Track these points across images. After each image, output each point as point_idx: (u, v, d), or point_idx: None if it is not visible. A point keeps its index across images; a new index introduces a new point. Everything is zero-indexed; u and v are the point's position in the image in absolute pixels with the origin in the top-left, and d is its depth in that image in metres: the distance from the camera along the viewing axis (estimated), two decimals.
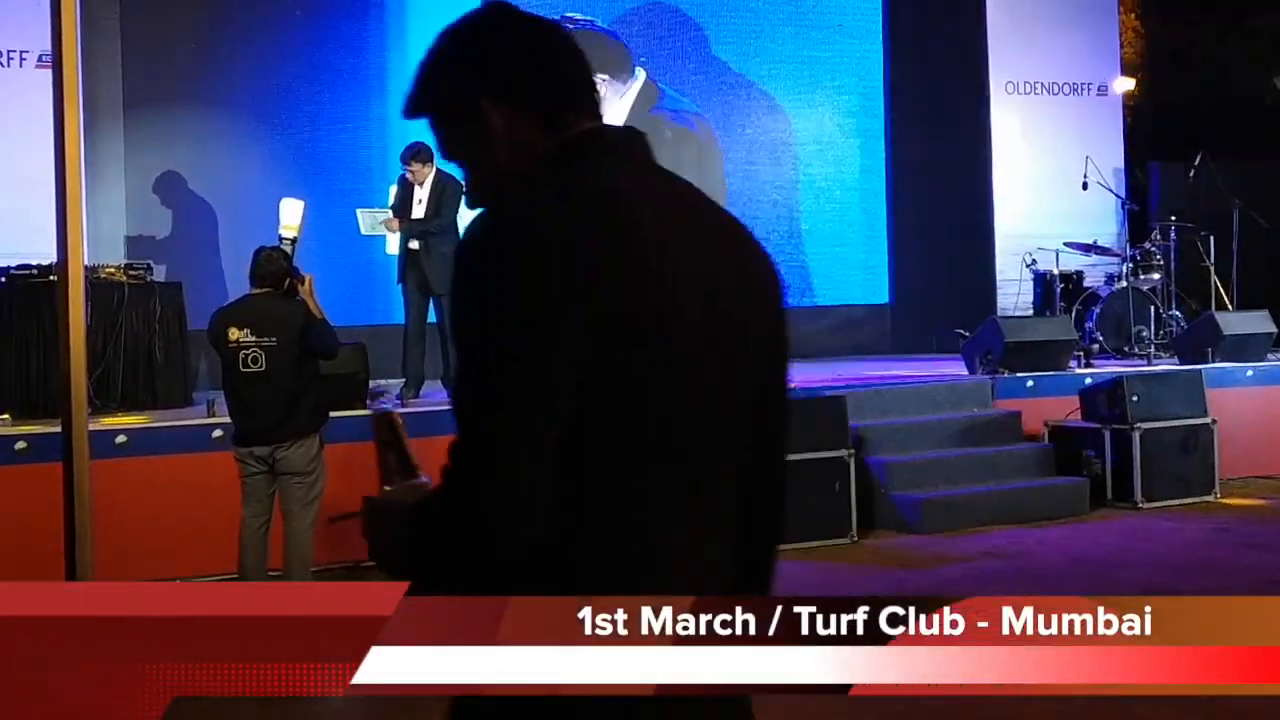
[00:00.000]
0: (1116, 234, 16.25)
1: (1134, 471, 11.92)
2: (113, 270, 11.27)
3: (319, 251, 13.91)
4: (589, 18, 15.42)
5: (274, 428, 8.24)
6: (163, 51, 13.43)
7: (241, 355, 8.21)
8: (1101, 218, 16.27)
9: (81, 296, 3.86)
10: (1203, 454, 12.27)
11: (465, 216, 12.13)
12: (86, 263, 11.12)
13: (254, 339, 8.21)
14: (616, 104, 15.49)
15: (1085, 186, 15.49)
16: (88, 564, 3.85)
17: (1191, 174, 16.03)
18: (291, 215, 8.61)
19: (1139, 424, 11.94)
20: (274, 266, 8.42)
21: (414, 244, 11.81)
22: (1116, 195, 16.24)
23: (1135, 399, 12.01)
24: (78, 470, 3.83)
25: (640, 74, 15.62)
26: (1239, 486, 12.78)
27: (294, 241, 8.52)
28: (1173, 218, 15.35)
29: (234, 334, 8.25)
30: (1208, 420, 12.34)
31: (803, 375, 12.84)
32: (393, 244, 12.28)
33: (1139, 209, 16.52)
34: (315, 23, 14.16)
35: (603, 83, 15.13)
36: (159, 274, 12.06)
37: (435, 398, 11.76)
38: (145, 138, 13.34)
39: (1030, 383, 12.82)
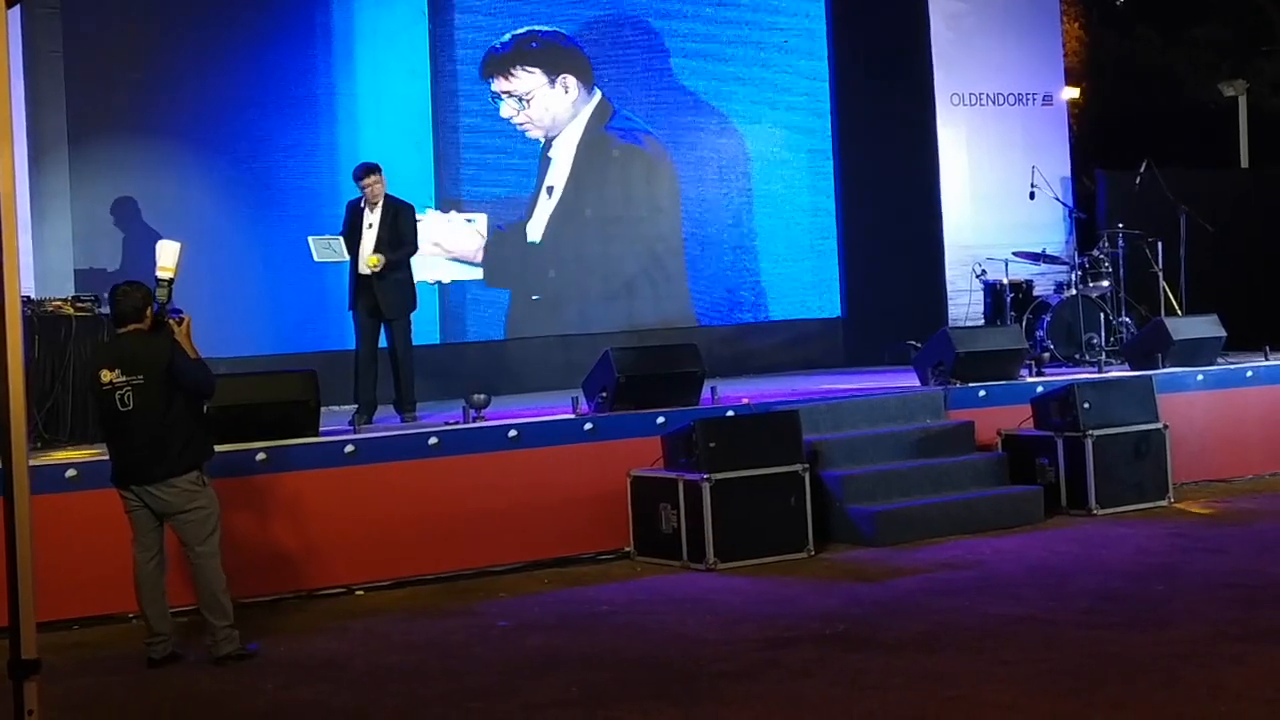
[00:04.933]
0: (1065, 242, 16.34)
1: (1087, 478, 11.96)
2: (60, 303, 11.21)
3: (269, 278, 13.91)
4: (555, 28, 15.47)
5: (145, 467, 8.22)
6: (107, 82, 13.35)
7: (116, 396, 8.19)
8: (1050, 227, 16.37)
9: (19, 330, 3.82)
10: (1155, 459, 12.31)
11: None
12: (34, 296, 11.14)
13: (125, 379, 8.18)
14: (573, 124, 15.53)
15: (1032, 196, 15.59)
16: (29, 601, 3.82)
17: (1138, 181, 16.13)
18: (168, 257, 8.64)
19: (1091, 431, 11.97)
20: (131, 302, 8.35)
21: (364, 269, 11.77)
22: (1064, 204, 16.33)
23: (1087, 406, 12.05)
24: (19, 507, 3.80)
25: (597, 93, 15.65)
26: (1192, 491, 12.83)
27: (170, 283, 8.53)
28: (1120, 225, 15.45)
29: (106, 376, 8.23)
30: (1159, 425, 12.38)
31: (756, 390, 12.90)
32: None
33: (1086, 217, 16.62)
34: (265, 50, 14.11)
35: (568, 86, 15.38)
36: (107, 307, 11.97)
37: (387, 422, 11.74)
38: (91, 169, 13.26)
39: (982, 393, 12.85)
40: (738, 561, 10.42)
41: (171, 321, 8.39)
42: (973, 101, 16.61)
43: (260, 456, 10.04)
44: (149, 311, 8.35)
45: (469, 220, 14.88)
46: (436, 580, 10.37)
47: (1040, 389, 12.77)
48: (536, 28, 15.47)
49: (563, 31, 15.62)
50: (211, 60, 13.85)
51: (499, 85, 15.29)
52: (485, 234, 15.05)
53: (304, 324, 14.06)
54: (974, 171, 16.55)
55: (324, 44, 14.51)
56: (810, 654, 7.93)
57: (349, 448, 10.41)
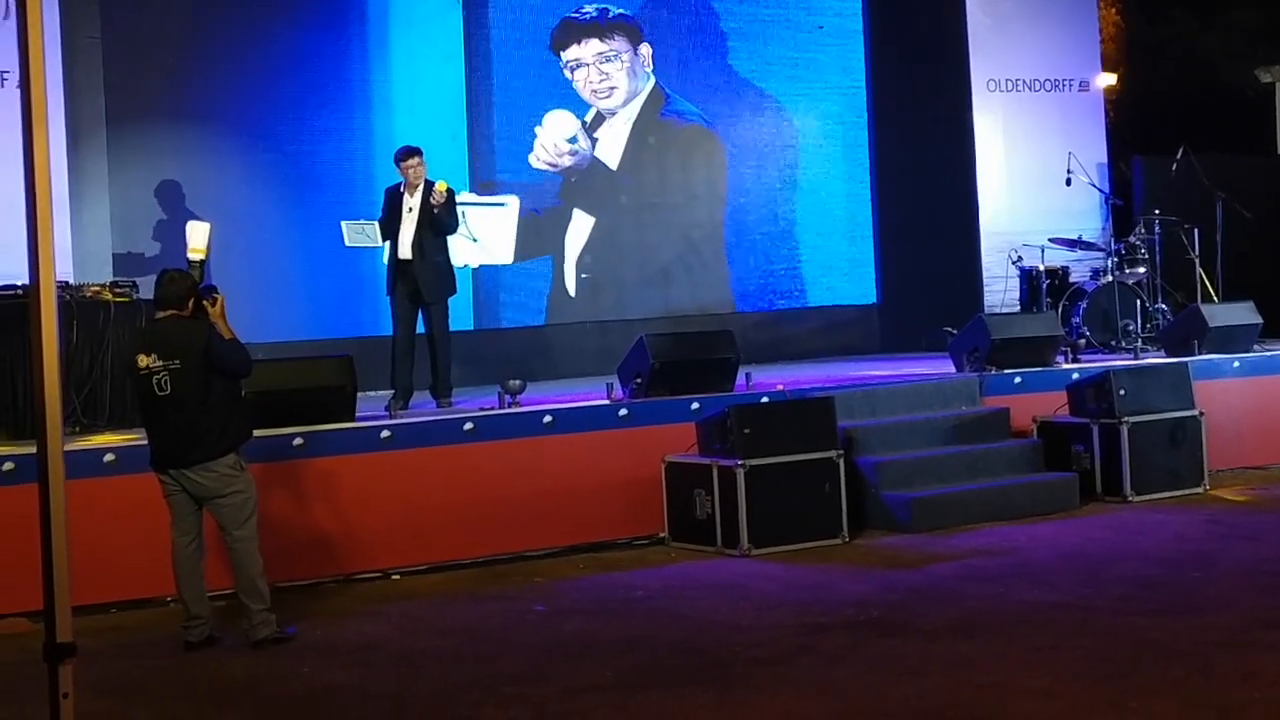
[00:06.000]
0: (1101, 229, 16.29)
1: (1123, 465, 11.92)
2: (98, 289, 11.21)
3: (306, 263, 13.96)
4: (605, 5, 15.56)
5: (183, 450, 8.26)
6: (145, 67, 13.40)
7: (154, 381, 8.22)
8: (1086, 213, 16.31)
9: (54, 316, 3.85)
10: (1191, 446, 12.26)
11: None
12: (72, 281, 11.20)
13: (161, 363, 8.22)
14: (625, 110, 15.58)
15: (1069, 182, 15.54)
16: (65, 585, 3.84)
17: (1174, 167, 16.05)
18: (198, 238, 8.70)
19: (1127, 418, 11.94)
20: (176, 289, 8.41)
21: (405, 253, 11.80)
22: (1100, 190, 16.27)
23: (1123, 393, 12.02)
24: (54, 491, 3.82)
25: (650, 79, 15.68)
26: (1228, 478, 12.78)
27: (202, 264, 8.60)
28: (1156, 211, 15.40)
29: (143, 360, 8.27)
30: (1195, 412, 12.34)
31: (791, 376, 12.90)
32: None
33: (1123, 203, 16.56)
34: (299, 36, 14.15)
35: (623, 63, 15.44)
36: (145, 291, 12.02)
37: (424, 407, 11.78)
38: (129, 154, 13.31)
39: (1018, 379, 12.82)
40: (772, 547, 10.42)
41: (205, 301, 8.45)
42: (1009, 88, 16.57)
43: (297, 441, 10.09)
44: (191, 301, 8.41)
45: (502, 204, 14.88)
46: (472, 565, 10.41)
47: (1076, 375, 12.74)
48: (606, 6, 15.59)
49: (626, 12, 15.71)
50: (247, 44, 13.89)
51: (571, 54, 15.38)
52: (518, 217, 15.04)
53: (341, 309, 14.11)
54: (1010, 158, 16.51)
55: (359, 29, 14.53)
56: (844, 640, 7.94)
57: (385, 433, 10.45)
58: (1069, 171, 15.53)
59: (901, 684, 7.02)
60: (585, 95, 15.47)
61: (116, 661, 8.07)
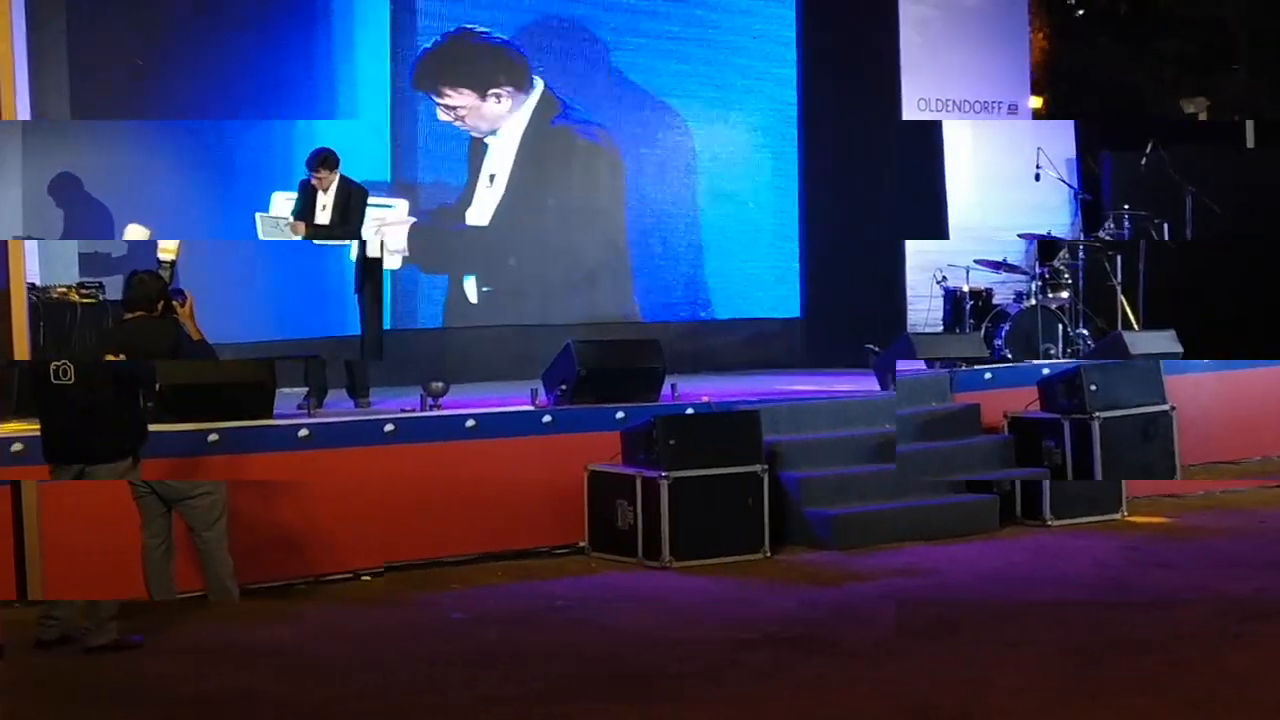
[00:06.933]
0: (1070, 224, 16.45)
1: (1094, 460, 11.97)
2: (65, 290, 11.21)
3: (268, 264, 13.74)
4: (486, 29, 15.27)
5: (83, 446, 8.16)
6: (110, 65, 13.17)
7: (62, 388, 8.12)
8: (1055, 209, 16.42)
9: (25, 317, 3.70)
10: (1163, 441, 12.34)
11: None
12: (39, 283, 11.03)
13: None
14: (514, 116, 15.35)
15: (1038, 178, 15.62)
16: (37, 583, 3.69)
17: (1144, 163, 16.14)
18: (168, 240, 8.67)
19: (1098, 413, 11.99)
20: (146, 290, 8.43)
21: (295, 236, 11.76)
22: (1070, 185, 16.31)
23: (1094, 388, 12.06)
24: (26, 492, 3.67)
25: (539, 84, 15.48)
26: (1199, 472, 12.96)
27: (172, 265, 8.56)
28: (1126, 206, 15.53)
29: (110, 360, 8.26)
30: (1167, 407, 12.42)
31: (715, 389, 12.80)
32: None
33: (1092, 198, 16.66)
34: (225, 25, 13.89)
35: (501, 95, 15.14)
36: (112, 292, 11.80)
37: (339, 406, 11.62)
38: (45, 142, 13.03)
39: (989, 375, 13.01)
40: (694, 560, 10.32)
41: (175, 303, 8.47)
42: (939, 108, 16.60)
43: (212, 438, 9.84)
44: (161, 304, 8.43)
45: (388, 205, 14.57)
46: (389, 569, 10.22)
47: (1046, 371, 12.81)
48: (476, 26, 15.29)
49: (498, 34, 15.38)
50: (173, 29, 13.63)
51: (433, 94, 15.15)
52: (416, 219, 14.80)
53: (304, 308, 13.89)
54: (976, 163, 16.69)
55: (288, 22, 14.28)
56: (768, 656, 7.88)
57: (303, 432, 10.25)
58: (1038, 167, 15.61)
59: (829, 703, 6.94)
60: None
61: (23, 659, 7.89)
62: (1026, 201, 16.06)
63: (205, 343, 8.51)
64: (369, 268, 11.94)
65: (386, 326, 13.99)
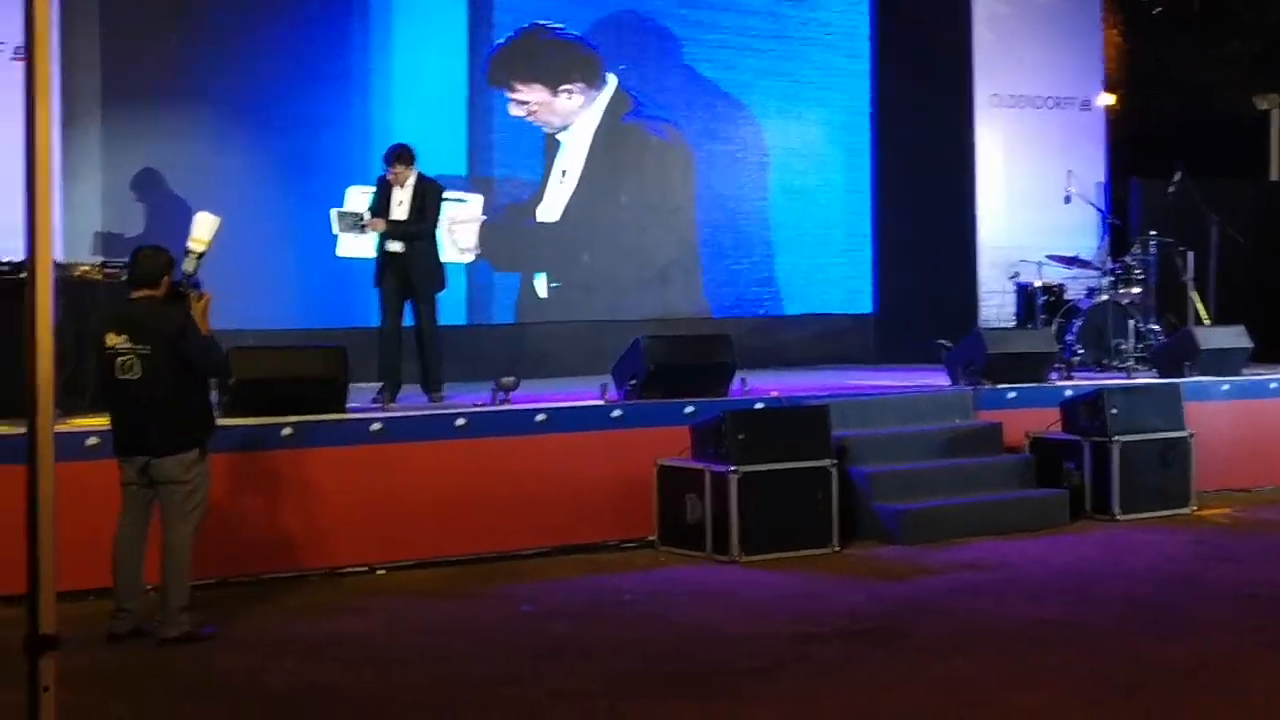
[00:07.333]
0: (1097, 248, 16.24)
1: (1112, 483, 11.89)
2: (87, 269, 11.03)
3: (298, 252, 13.85)
4: (559, 25, 15.33)
5: (147, 438, 8.05)
6: (143, 45, 13.23)
7: (118, 362, 8.01)
8: (1083, 231, 16.28)
9: (49, 295, 3.75)
10: (1180, 467, 12.24)
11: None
12: (61, 260, 11.03)
13: (129, 345, 7.99)
14: (586, 112, 15.40)
15: (1068, 200, 15.49)
16: (50, 574, 3.73)
17: (1171, 190, 16.01)
18: (204, 229, 8.34)
19: (1118, 436, 11.90)
20: (149, 265, 8.14)
21: (395, 246, 11.71)
22: (1098, 209, 16.22)
23: (1115, 412, 11.98)
24: (42, 476, 3.72)
25: (611, 81, 15.53)
26: (1214, 499, 12.72)
27: (200, 256, 8.27)
28: (1153, 233, 15.35)
29: (111, 339, 8.04)
30: (1186, 433, 12.31)
31: (785, 384, 12.80)
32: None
33: (1120, 223, 16.52)
34: (299, 20, 14.02)
35: (573, 91, 15.18)
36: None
37: (412, 401, 11.67)
38: (124, 133, 13.17)
39: (1012, 394, 12.78)
40: (762, 555, 10.33)
41: (191, 295, 8.18)
42: (1012, 103, 16.54)
43: (286, 431, 9.97)
44: (166, 279, 8.13)
45: (461, 200, 14.62)
46: (460, 562, 10.29)
47: (1069, 392, 12.69)
48: (548, 21, 15.34)
49: (571, 30, 15.43)
50: (247, 27, 13.73)
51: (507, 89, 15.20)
52: (487, 217, 14.87)
53: (331, 299, 13.98)
54: (1010, 173, 16.46)
55: (360, 17, 14.40)
56: (835, 652, 7.86)
57: (376, 426, 10.35)
58: (1068, 189, 15.49)
59: (893, 698, 6.94)
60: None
61: (94, 652, 7.91)
62: (1056, 223, 15.88)
63: (214, 341, 8.22)
64: (438, 268, 11.96)
65: (460, 322, 14.13)
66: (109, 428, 8.35)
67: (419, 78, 14.54)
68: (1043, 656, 7.67)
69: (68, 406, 10.40)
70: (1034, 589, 9.46)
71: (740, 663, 7.63)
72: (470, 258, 14.75)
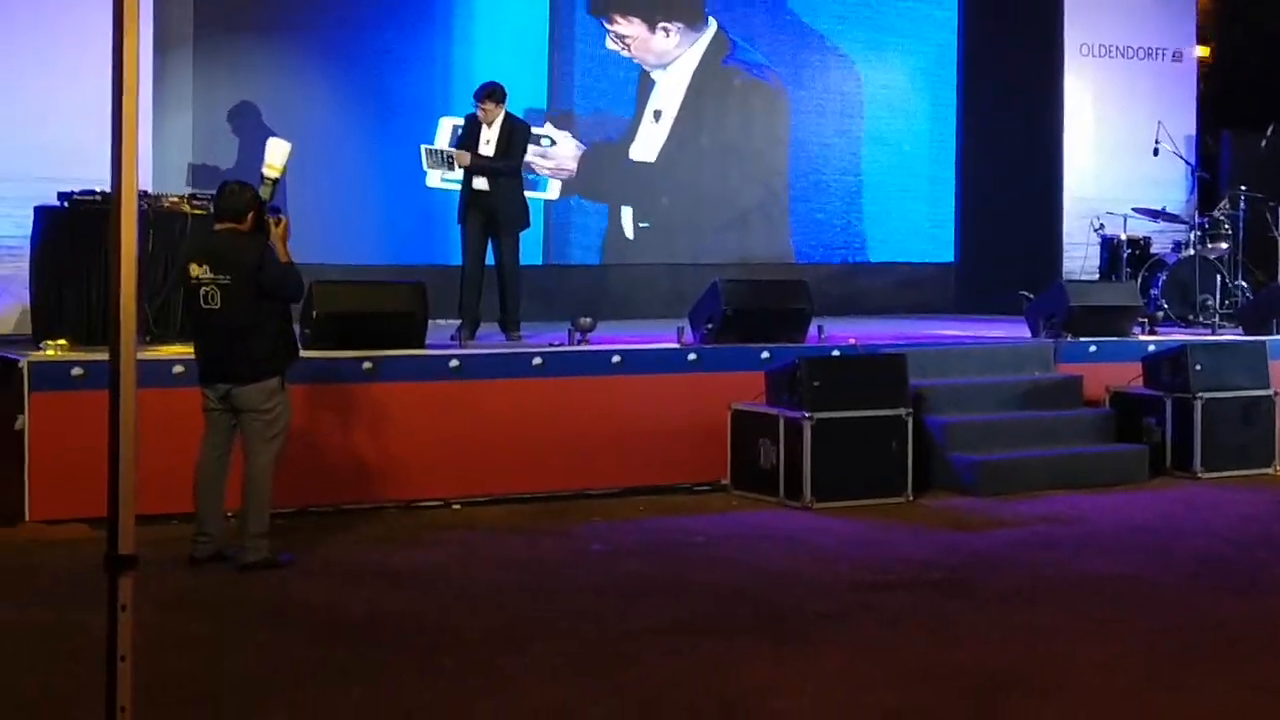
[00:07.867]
0: (1185, 201, 16.05)
1: (1194, 441, 11.76)
2: (177, 200, 11.13)
3: (381, 189, 13.92)
4: None
5: (228, 366, 8.19)
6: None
7: (201, 291, 8.15)
8: (1171, 185, 16.05)
9: (134, 223, 3.78)
10: (1264, 426, 12.10)
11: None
12: (151, 191, 11.16)
13: (211, 276, 8.12)
14: (686, 54, 15.36)
15: (1156, 153, 15.31)
16: (129, 496, 3.79)
17: (1264, 143, 15.79)
18: (277, 156, 8.48)
19: (1201, 393, 11.78)
20: (236, 201, 8.26)
21: (480, 183, 11.77)
22: (1187, 162, 16.03)
23: (1199, 368, 11.85)
24: (124, 400, 3.77)
25: (712, 23, 15.49)
26: None
27: (275, 182, 8.41)
28: (1243, 187, 15.14)
29: (194, 270, 8.19)
30: (1270, 392, 12.17)
31: (863, 331, 12.76)
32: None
33: (1209, 177, 16.31)
34: None
35: (670, 29, 15.14)
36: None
37: (490, 339, 11.74)
38: (214, 67, 13.29)
39: (1093, 348, 12.67)
40: (835, 502, 10.32)
41: (269, 220, 8.32)
42: (1101, 53, 16.30)
43: (366, 365, 10.07)
44: (251, 215, 8.26)
45: (549, 141, 14.65)
46: (533, 499, 10.37)
47: (1151, 348, 12.57)
48: None
49: None
50: None
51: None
52: (580, 153, 14.90)
53: (413, 236, 14.07)
54: (1098, 124, 16.25)
55: None
56: (904, 600, 7.86)
57: (454, 362, 10.42)
58: (1157, 142, 15.30)
59: (962, 648, 6.93)
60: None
61: (176, 574, 8.07)
62: (1143, 176, 15.66)
63: (293, 266, 8.31)
64: (522, 207, 12.02)
65: (541, 262, 14.17)
66: (193, 356, 8.47)
67: (500, 17, 14.54)
68: (1115, 611, 7.64)
69: (157, 335, 10.57)
70: (1110, 544, 9.40)
71: (811, 607, 7.65)
72: (557, 191, 14.81)
